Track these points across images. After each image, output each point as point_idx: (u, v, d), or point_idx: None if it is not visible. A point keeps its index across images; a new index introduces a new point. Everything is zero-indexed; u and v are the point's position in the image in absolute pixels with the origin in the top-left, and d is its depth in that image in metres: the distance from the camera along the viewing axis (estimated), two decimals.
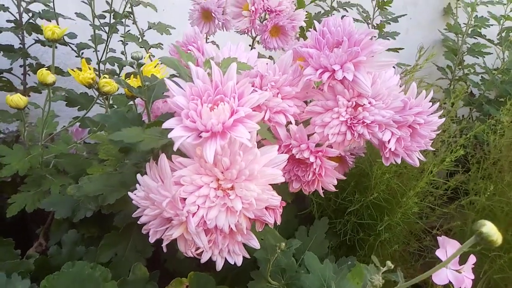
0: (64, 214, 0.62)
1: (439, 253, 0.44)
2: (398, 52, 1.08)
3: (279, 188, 0.45)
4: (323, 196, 0.53)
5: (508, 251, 0.63)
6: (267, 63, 0.49)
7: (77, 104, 0.75)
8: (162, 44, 0.95)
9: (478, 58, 1.24)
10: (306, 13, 0.98)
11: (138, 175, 0.45)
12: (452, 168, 0.75)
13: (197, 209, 0.41)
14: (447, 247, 0.43)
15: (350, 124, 0.47)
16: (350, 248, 0.76)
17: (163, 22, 0.96)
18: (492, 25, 1.25)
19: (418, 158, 0.50)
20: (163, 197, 0.41)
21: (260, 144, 0.44)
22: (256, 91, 0.47)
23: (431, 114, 0.49)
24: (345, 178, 0.51)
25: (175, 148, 0.36)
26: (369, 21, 1.11)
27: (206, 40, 0.83)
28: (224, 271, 0.47)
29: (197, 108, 0.38)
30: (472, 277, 0.44)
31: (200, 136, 0.37)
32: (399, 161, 0.49)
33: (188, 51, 0.50)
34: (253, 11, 0.61)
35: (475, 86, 1.18)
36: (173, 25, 0.97)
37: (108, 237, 0.60)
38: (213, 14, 0.72)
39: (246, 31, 0.64)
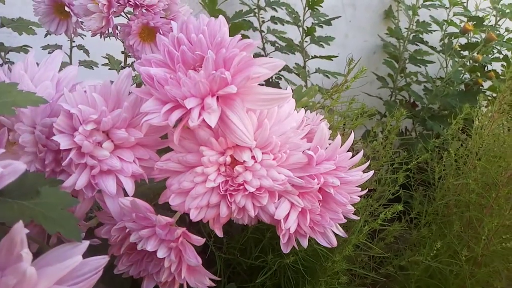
0: None
1: None
2: (332, 60, 0.93)
3: None
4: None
5: None
6: (85, 90, 0.29)
7: None
8: (29, 48, 0.71)
9: (420, 67, 1.13)
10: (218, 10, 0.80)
11: None
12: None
13: None
14: None
15: (225, 191, 0.29)
16: None
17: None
18: (434, 30, 1.14)
19: (336, 234, 0.33)
20: None
21: None
22: (59, 141, 0.27)
23: (352, 168, 0.33)
24: (219, 279, 0.32)
25: None
26: (300, 24, 0.95)
27: (71, 43, 0.61)
28: None
29: None
30: None
31: None
32: (305, 243, 0.32)
33: None
34: (105, 4, 0.41)
35: (417, 100, 1.06)
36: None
37: None
38: (67, 8, 0.50)
39: (101, 33, 0.44)
